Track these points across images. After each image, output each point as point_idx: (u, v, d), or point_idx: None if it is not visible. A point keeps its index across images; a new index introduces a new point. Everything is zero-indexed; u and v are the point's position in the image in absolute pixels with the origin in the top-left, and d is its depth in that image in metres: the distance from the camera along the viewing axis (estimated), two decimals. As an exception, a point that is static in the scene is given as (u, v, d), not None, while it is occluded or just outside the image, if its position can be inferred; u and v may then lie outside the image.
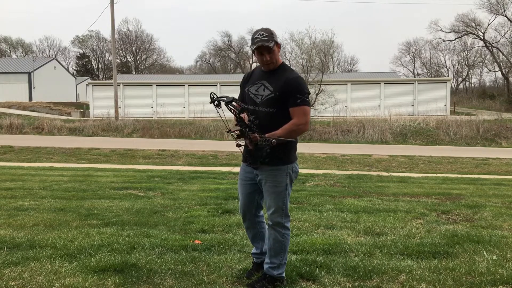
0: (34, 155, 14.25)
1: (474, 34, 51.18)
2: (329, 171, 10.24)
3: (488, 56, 55.39)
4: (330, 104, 26.26)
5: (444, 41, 57.74)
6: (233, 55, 72.18)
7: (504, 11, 47.14)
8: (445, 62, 72.12)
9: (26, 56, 67.38)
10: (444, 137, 19.60)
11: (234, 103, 2.95)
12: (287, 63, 22.36)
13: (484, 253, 4.05)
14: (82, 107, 39.66)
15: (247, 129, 2.92)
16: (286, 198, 3.21)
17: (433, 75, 64.92)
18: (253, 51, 3.12)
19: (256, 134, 2.91)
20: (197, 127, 21.53)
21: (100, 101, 34.47)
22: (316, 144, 18.11)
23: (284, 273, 3.32)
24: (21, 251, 3.99)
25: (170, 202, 6.31)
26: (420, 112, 31.71)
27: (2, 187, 7.48)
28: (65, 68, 58.56)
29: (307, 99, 3.06)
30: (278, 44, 3.10)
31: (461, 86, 68.10)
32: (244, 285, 3.33)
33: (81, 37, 71.69)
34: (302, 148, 14.93)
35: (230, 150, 14.76)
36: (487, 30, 50.32)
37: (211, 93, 3.03)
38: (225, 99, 2.98)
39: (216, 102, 2.97)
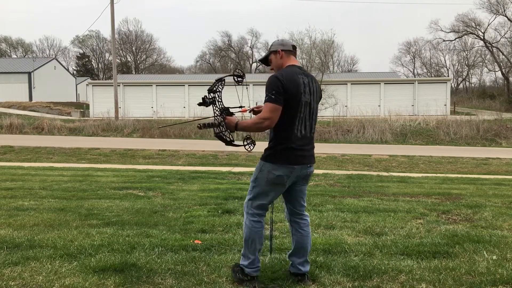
0: (34, 155, 14.25)
1: (474, 34, 51.19)
2: (329, 171, 10.24)
3: (488, 56, 55.44)
4: (330, 104, 26.25)
5: (444, 41, 57.80)
6: (233, 55, 72.24)
7: (504, 11, 47.19)
8: (445, 62, 72.36)
9: (26, 56, 67.41)
10: (444, 137, 19.61)
11: (222, 84, 3.33)
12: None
13: (484, 253, 4.05)
14: (82, 107, 39.66)
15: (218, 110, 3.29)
16: (254, 187, 3.30)
17: (433, 75, 64.92)
18: None
19: (227, 118, 3.27)
20: (197, 127, 21.50)
21: (100, 101, 34.48)
22: (316, 144, 17.98)
23: (252, 272, 3.29)
24: (21, 251, 3.99)
25: (170, 202, 6.31)
26: (420, 112, 31.72)
27: (2, 187, 7.49)
28: (65, 68, 58.54)
29: (272, 96, 3.08)
30: (274, 52, 3.32)
31: (461, 86, 68.15)
32: (244, 285, 3.33)
33: (81, 37, 71.77)
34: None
35: (230, 150, 14.76)
36: (487, 30, 50.41)
37: (237, 70, 3.38)
38: (220, 81, 3.34)
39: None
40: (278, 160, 3.17)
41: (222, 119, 3.25)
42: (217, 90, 3.33)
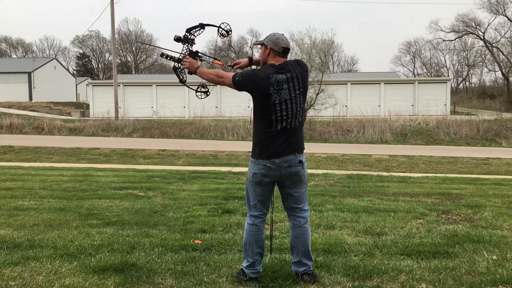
0: (34, 155, 14.25)
1: (474, 34, 51.15)
2: (329, 171, 10.24)
3: (488, 56, 55.42)
4: (330, 104, 26.19)
5: (444, 41, 57.70)
6: (233, 55, 72.13)
7: (504, 11, 47.17)
8: (445, 62, 72.27)
9: (26, 56, 67.38)
10: (444, 137, 19.60)
11: (201, 31, 3.56)
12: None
13: (484, 253, 4.05)
14: (82, 107, 39.64)
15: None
16: (246, 190, 3.43)
17: (433, 75, 64.88)
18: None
19: (190, 58, 3.48)
20: (197, 127, 21.52)
21: (100, 101, 34.44)
22: (316, 144, 18.11)
23: (251, 274, 3.35)
24: (21, 251, 3.99)
25: (170, 202, 6.31)
26: (420, 112, 31.68)
27: (2, 187, 7.49)
28: (65, 68, 58.53)
29: (240, 78, 3.26)
30: (265, 46, 3.34)
31: (461, 86, 68.12)
32: (244, 285, 3.33)
33: (81, 37, 71.71)
34: (302, 148, 14.84)
35: (230, 150, 14.75)
36: (487, 30, 50.35)
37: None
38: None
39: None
40: (254, 155, 3.32)
41: (183, 57, 3.50)
42: (193, 33, 3.55)
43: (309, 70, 3.49)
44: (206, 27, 3.57)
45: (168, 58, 3.57)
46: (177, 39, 3.53)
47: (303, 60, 3.49)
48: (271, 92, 3.19)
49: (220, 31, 3.55)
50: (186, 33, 3.54)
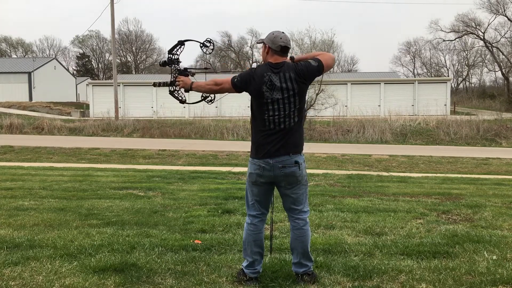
0: (34, 155, 14.25)
1: (474, 34, 51.14)
2: (329, 171, 10.24)
3: (488, 56, 55.42)
4: (330, 104, 26.20)
5: (444, 41, 57.66)
6: (233, 55, 72.16)
7: (504, 11, 47.16)
8: (445, 62, 72.32)
9: (26, 56, 67.37)
10: (444, 137, 19.60)
11: (182, 48, 3.59)
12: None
13: (484, 253, 4.05)
14: (82, 107, 39.64)
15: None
16: (245, 190, 3.45)
17: (433, 75, 64.88)
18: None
19: (182, 77, 3.53)
20: (197, 127, 21.52)
21: (100, 101, 34.44)
22: (316, 144, 18.11)
23: (250, 274, 3.36)
24: (21, 251, 3.99)
25: (170, 202, 6.32)
26: (420, 112, 31.69)
27: (2, 187, 7.49)
28: (65, 68, 58.51)
29: (238, 78, 3.29)
30: (264, 45, 3.32)
31: (461, 86, 68.11)
32: (244, 285, 3.34)
33: (81, 37, 71.71)
34: (302, 148, 14.81)
35: (230, 150, 14.75)
36: (487, 30, 50.32)
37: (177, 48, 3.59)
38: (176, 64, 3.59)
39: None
40: (251, 154, 3.34)
41: (174, 79, 3.54)
42: (176, 53, 3.56)
43: (314, 70, 3.27)
44: (185, 43, 3.58)
45: (162, 85, 3.59)
46: (163, 64, 3.55)
47: (311, 63, 3.27)
48: (263, 91, 3.20)
49: (202, 47, 3.55)
50: (169, 55, 3.55)
